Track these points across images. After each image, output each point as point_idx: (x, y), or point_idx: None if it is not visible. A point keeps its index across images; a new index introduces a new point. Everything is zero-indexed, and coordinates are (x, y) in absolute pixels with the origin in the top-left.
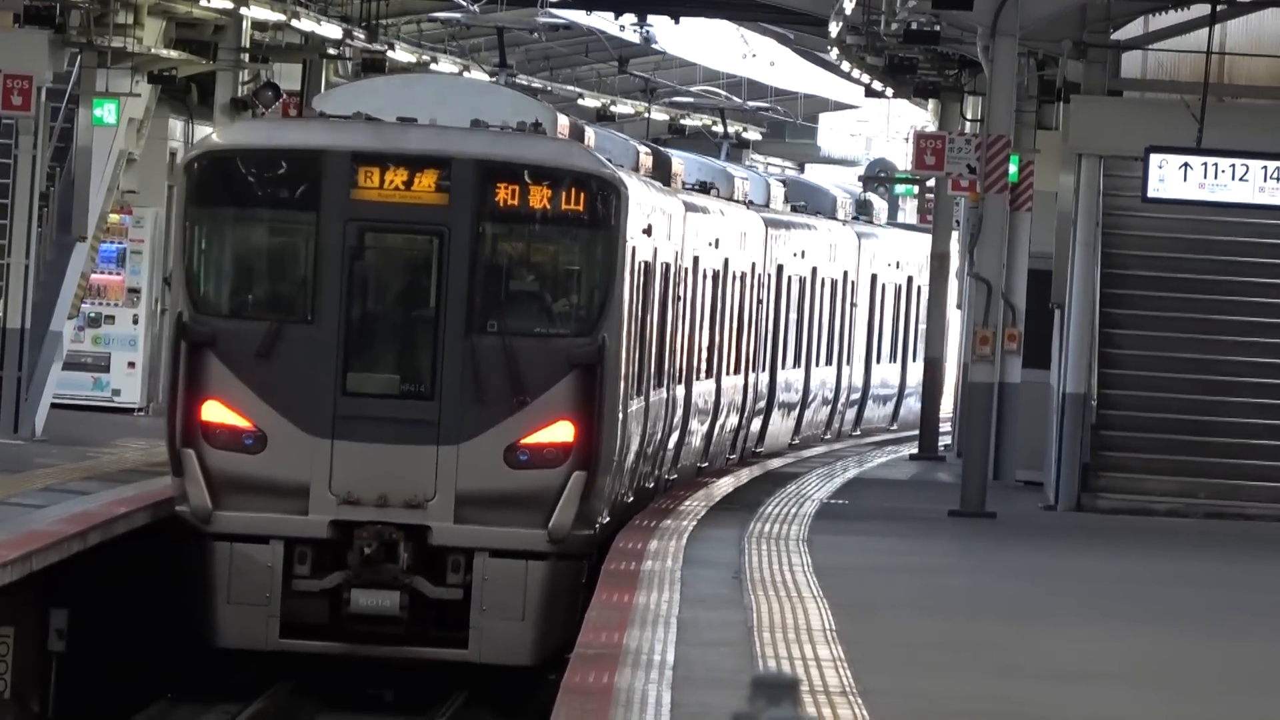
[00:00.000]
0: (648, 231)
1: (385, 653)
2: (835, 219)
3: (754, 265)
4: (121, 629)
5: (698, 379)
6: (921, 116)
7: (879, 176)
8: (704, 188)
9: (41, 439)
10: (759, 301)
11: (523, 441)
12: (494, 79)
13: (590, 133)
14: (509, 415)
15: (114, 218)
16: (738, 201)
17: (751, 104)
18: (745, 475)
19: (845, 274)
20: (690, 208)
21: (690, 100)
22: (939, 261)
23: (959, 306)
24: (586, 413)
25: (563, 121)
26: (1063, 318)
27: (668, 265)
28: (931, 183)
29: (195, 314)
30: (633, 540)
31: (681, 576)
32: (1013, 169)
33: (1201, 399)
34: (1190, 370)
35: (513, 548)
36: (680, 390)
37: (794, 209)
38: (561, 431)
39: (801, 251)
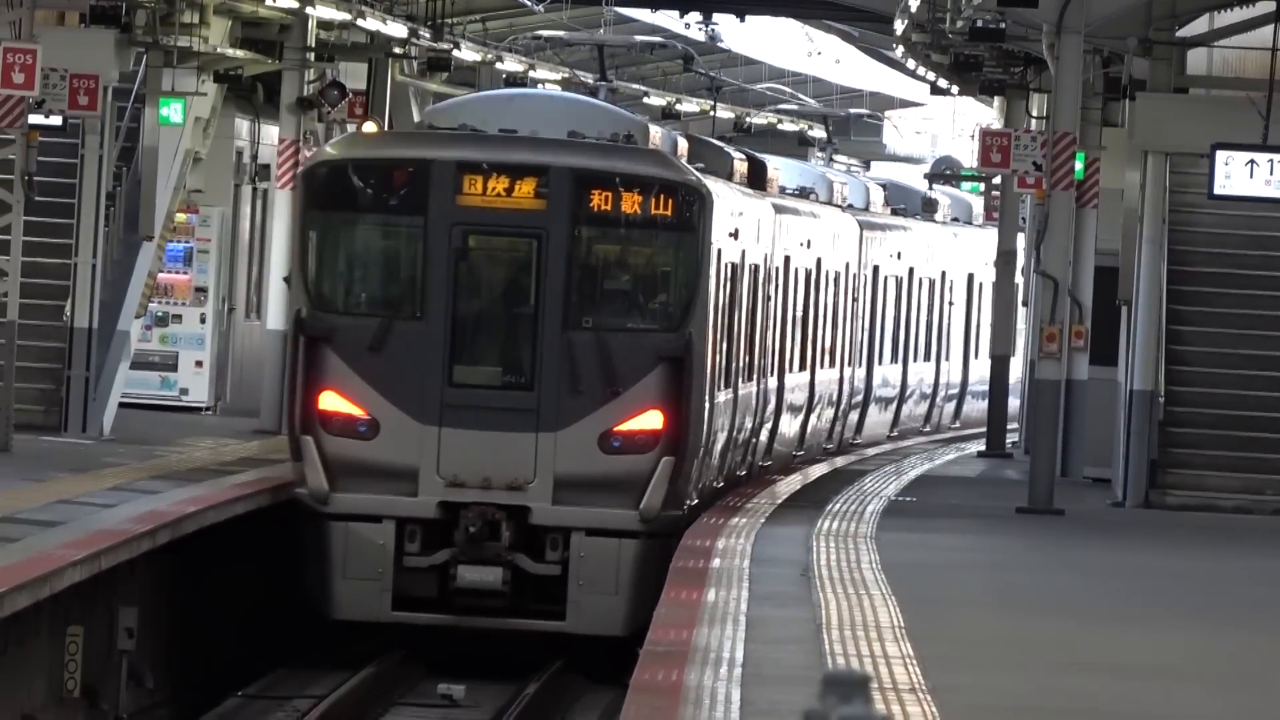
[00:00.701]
0: (734, 234)
1: (488, 624)
2: (934, 220)
3: (848, 265)
4: (194, 625)
5: (790, 372)
6: (987, 114)
7: (944, 174)
8: (803, 192)
9: (109, 438)
10: (854, 300)
11: (615, 429)
12: (596, 92)
13: (683, 143)
14: (603, 404)
15: (180, 217)
16: (835, 205)
17: (815, 101)
18: (814, 473)
19: (943, 273)
20: (781, 210)
21: (769, 96)
22: (1005, 259)
23: (1025, 304)
24: (674, 402)
25: (655, 132)
26: (1129, 315)
27: (756, 265)
28: (997, 180)
29: (313, 311)
30: (701, 538)
31: (750, 574)
32: (1079, 166)
33: (1269, 395)
34: (1258, 367)
35: (607, 527)
36: (772, 383)
37: (894, 211)
38: (651, 419)
39: (897, 252)
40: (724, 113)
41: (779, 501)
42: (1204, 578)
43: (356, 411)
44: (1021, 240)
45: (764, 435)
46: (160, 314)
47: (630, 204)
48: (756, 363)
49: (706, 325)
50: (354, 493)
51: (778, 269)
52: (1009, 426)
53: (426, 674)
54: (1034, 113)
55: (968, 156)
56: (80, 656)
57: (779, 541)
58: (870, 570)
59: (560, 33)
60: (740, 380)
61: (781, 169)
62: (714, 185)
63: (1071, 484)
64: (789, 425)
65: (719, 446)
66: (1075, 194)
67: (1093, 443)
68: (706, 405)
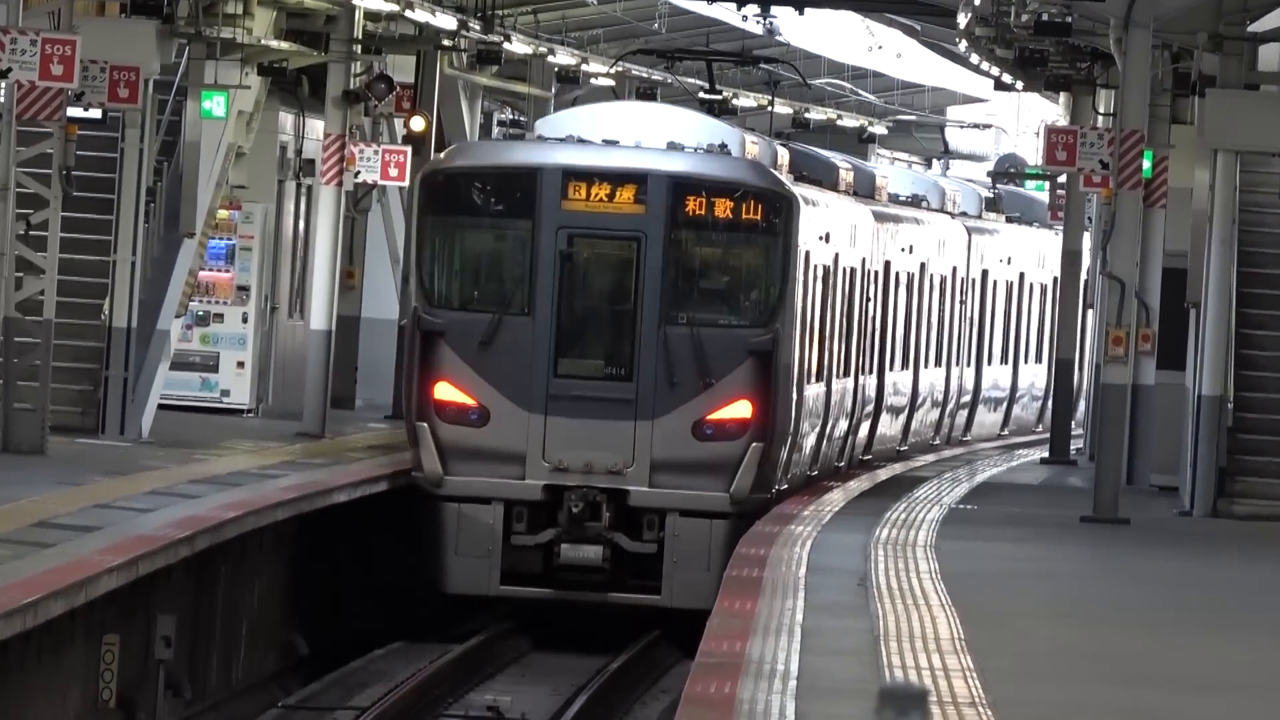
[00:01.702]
0: (825, 238)
1: (590, 598)
2: (1048, 227)
3: (954, 269)
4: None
5: (891, 370)
6: (1052, 110)
7: (1009, 172)
8: (915, 200)
9: (148, 440)
10: (961, 302)
11: (708, 417)
12: (707, 106)
13: (784, 153)
14: (696, 395)
15: (222, 213)
16: (946, 212)
17: (876, 97)
18: (870, 480)
19: (1055, 279)
20: (882, 218)
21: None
22: (1070, 259)
23: (1090, 306)
24: (762, 393)
25: (753, 141)
26: (1198, 318)
27: (853, 268)
28: (1063, 179)
29: (429, 308)
30: (755, 546)
31: (806, 583)
32: (1146, 165)
33: None
34: None
35: (699, 509)
36: (871, 380)
37: (1009, 219)
38: (741, 409)
39: (1007, 257)
40: (782, 108)
41: (838, 508)
42: (1273, 589)
43: (468, 401)
44: (1087, 241)
45: (864, 429)
46: (201, 313)
47: (722, 209)
48: (853, 360)
49: (794, 322)
50: (465, 476)
51: (876, 272)
52: (1074, 432)
53: (531, 646)
54: (1100, 109)
55: (1032, 154)
56: (116, 665)
57: (836, 550)
58: (929, 580)
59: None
60: (835, 375)
61: (892, 177)
62: (805, 192)
63: (1137, 492)
64: (891, 421)
65: (810, 437)
66: (1143, 193)
67: (1159, 450)
68: (794, 397)
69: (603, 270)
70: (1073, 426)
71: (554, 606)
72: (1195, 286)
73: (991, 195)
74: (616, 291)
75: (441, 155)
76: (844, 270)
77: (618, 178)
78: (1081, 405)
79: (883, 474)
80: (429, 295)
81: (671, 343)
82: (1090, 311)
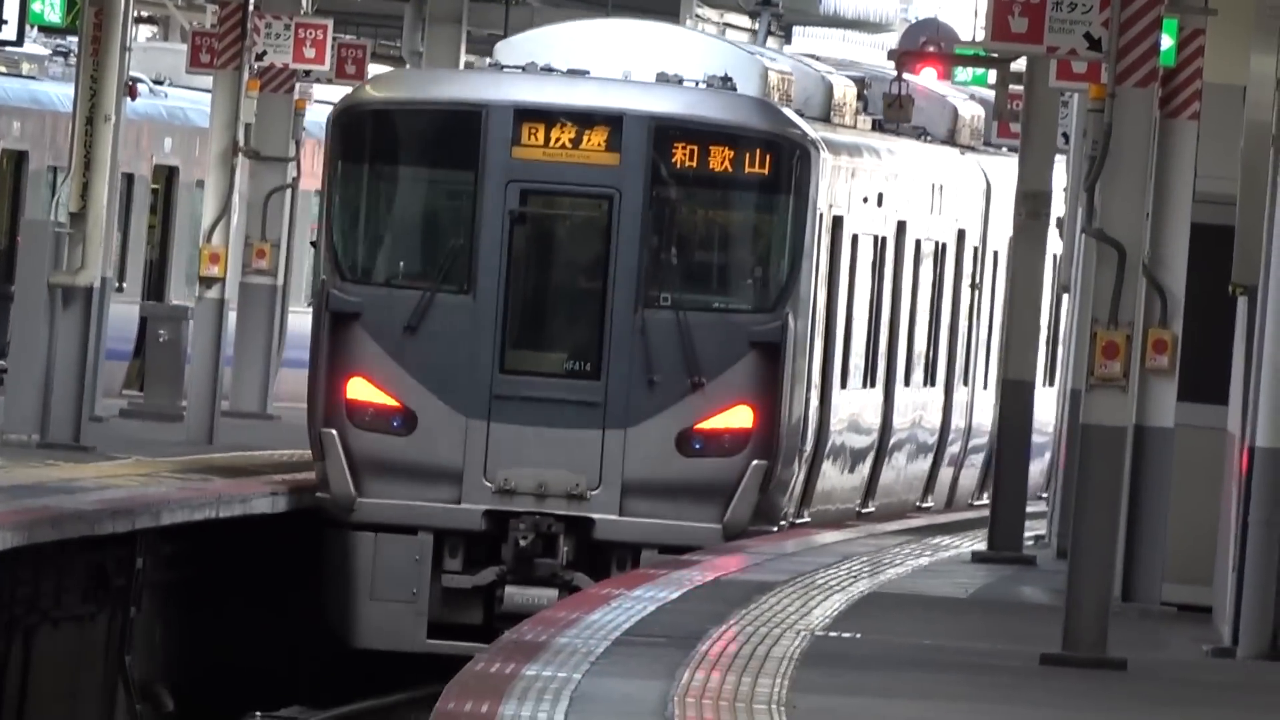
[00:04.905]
0: (876, 200)
1: None
2: (993, 150)
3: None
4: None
5: (965, 382)
6: None
7: (926, 52)
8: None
9: None
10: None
11: (697, 427)
12: (755, 21)
13: (845, 87)
14: (682, 398)
15: None
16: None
17: None
18: (689, 579)
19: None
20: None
21: None
22: (1032, 206)
23: (1065, 289)
24: (768, 397)
25: (781, 71)
26: (1252, 311)
27: (921, 239)
28: (1020, 65)
29: (340, 283)
30: (469, 700)
31: None
32: (1167, 43)
33: None
34: None
35: (684, 543)
36: (935, 391)
37: (921, 138)
38: (740, 416)
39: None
40: None
41: (617, 633)
42: None
43: (389, 401)
44: (1060, 176)
45: (925, 457)
46: None
47: (719, 160)
48: (904, 359)
49: (808, 306)
50: (385, 498)
51: (945, 244)
52: (1030, 506)
53: None
54: None
55: (967, 24)
56: None
57: (612, 712)
58: None
59: None
60: (891, 380)
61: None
62: (850, 139)
63: (1140, 613)
64: (961, 445)
65: (837, 458)
66: (1159, 92)
67: (1180, 540)
68: (814, 403)
69: (564, 237)
70: (1029, 496)
71: None
72: (1248, 258)
73: (899, 95)
74: (581, 265)
75: (362, 87)
76: (892, 241)
77: (585, 118)
78: (1045, 459)
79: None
80: (340, 267)
81: (651, 331)
82: (1065, 299)
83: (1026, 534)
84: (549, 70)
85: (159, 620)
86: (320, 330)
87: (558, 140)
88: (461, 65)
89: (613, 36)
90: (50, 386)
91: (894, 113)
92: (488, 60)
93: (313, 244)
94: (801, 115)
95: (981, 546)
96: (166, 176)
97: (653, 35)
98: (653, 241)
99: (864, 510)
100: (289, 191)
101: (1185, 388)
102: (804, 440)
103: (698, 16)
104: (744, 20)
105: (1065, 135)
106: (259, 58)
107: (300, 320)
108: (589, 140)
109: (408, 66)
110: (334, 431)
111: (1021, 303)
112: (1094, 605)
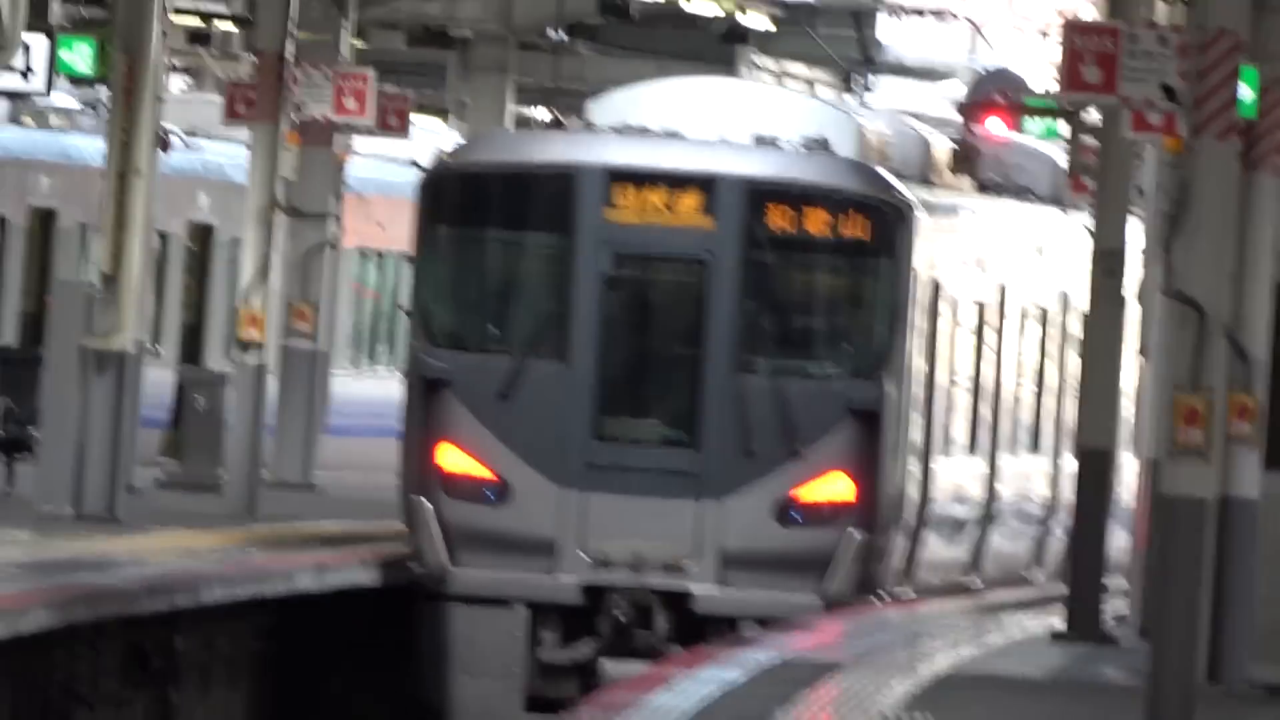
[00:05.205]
0: (977, 264)
1: None
2: (1062, 206)
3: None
4: None
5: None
6: None
7: (994, 103)
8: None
9: None
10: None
11: (795, 496)
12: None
13: (937, 145)
14: (779, 466)
15: None
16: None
17: None
18: (756, 660)
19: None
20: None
21: None
22: (1107, 265)
23: (1141, 352)
24: (867, 465)
25: (879, 132)
26: None
27: (1023, 304)
28: (1094, 116)
29: (431, 348)
30: None
31: None
32: (1247, 93)
33: None
34: None
35: (783, 615)
36: (1041, 459)
37: (983, 188)
38: (838, 485)
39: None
40: None
41: None
42: None
43: (482, 471)
44: (1136, 234)
45: (1032, 530)
46: None
47: (815, 223)
48: (1019, 426)
49: (906, 371)
50: (479, 569)
51: (1049, 310)
52: (1107, 582)
53: None
54: None
55: (1040, 74)
56: None
57: None
58: None
59: None
60: (996, 447)
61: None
62: (949, 201)
63: (1226, 696)
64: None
65: (944, 527)
66: (1240, 145)
67: (1269, 616)
68: (915, 471)
69: (658, 302)
70: (1105, 574)
71: None
72: None
73: (966, 147)
74: (676, 330)
75: (452, 149)
76: (996, 306)
77: (678, 181)
78: (1121, 535)
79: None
80: (431, 332)
81: (748, 398)
82: (1142, 362)
83: (1110, 611)
84: (642, 130)
85: (200, 704)
86: (412, 397)
87: (651, 203)
88: (508, 116)
89: (707, 95)
90: (83, 456)
91: (962, 166)
92: (578, 118)
93: (403, 309)
94: (899, 176)
95: (1058, 624)
96: (202, 235)
97: (748, 94)
98: (748, 306)
99: (969, 582)
100: (330, 249)
101: (1272, 456)
102: (904, 510)
103: (754, 65)
104: (802, 69)
105: (1139, 190)
106: (298, 109)
107: (343, 385)
108: (683, 203)
109: (450, 117)
110: (426, 501)
111: (1098, 365)
112: (1178, 687)
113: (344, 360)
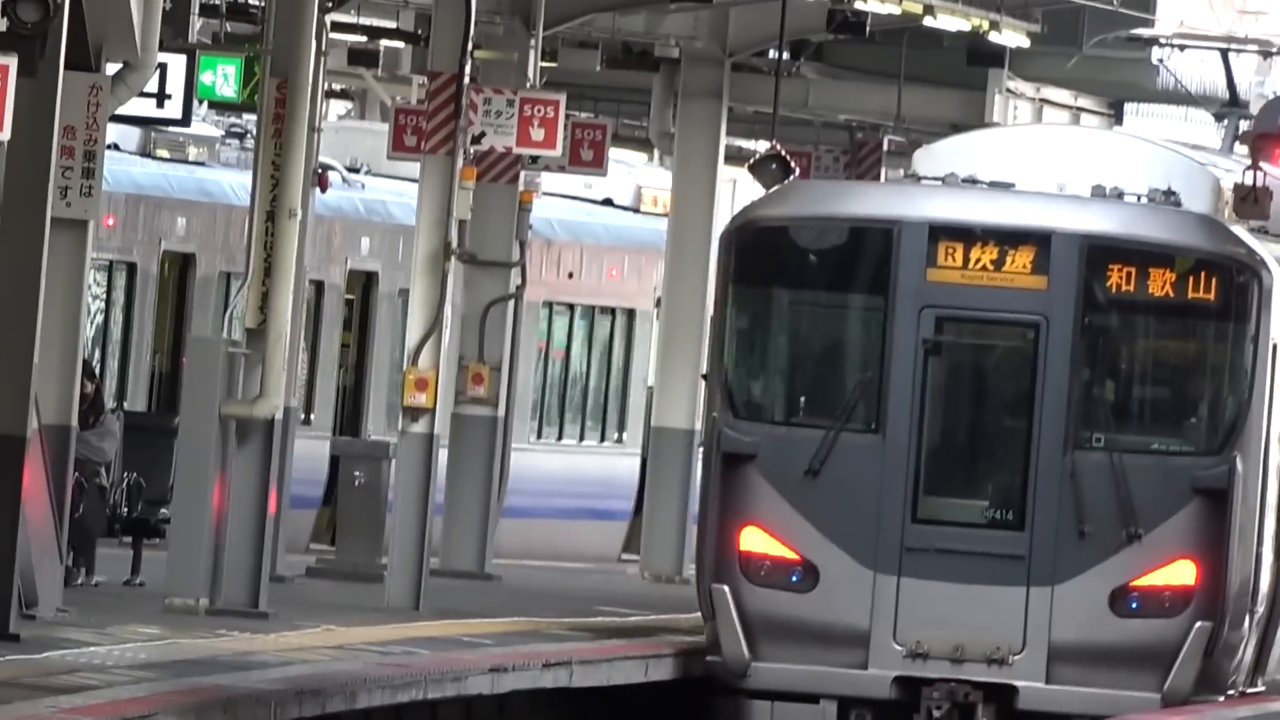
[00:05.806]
0: None
1: None
2: None
3: None
4: None
5: None
6: None
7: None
8: None
9: None
10: None
11: (1134, 584)
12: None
13: None
14: (1117, 551)
15: None
16: None
17: None
18: None
19: None
20: None
21: None
22: None
23: None
24: (1213, 550)
25: (1225, 185)
26: None
27: None
28: None
29: (734, 420)
30: None
31: None
32: None
33: None
34: None
35: (1114, 714)
36: None
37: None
38: (1182, 573)
39: None
40: None
41: None
42: None
43: (788, 553)
44: None
45: None
46: None
47: (1160, 284)
48: None
49: (1262, 447)
50: (784, 662)
51: None
52: None
53: None
54: None
55: None
56: None
57: None
58: None
59: None
60: None
61: None
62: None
63: None
64: None
65: None
66: None
67: None
68: (1268, 557)
69: (985, 369)
70: None
71: None
72: None
73: (1253, 186)
74: (1004, 400)
75: (759, 201)
76: None
77: (1008, 237)
78: None
79: None
80: (734, 402)
81: (1082, 475)
82: None
83: None
84: (971, 182)
85: None
86: (711, 474)
87: (978, 261)
88: (722, 150)
89: (1044, 144)
90: (222, 540)
91: (1247, 209)
92: (902, 172)
93: (703, 377)
94: (1265, 233)
95: None
96: (363, 284)
97: (1089, 142)
98: (1084, 375)
99: None
100: (512, 303)
101: None
102: (1255, 599)
103: (1009, 91)
104: (1063, 95)
105: None
106: (476, 140)
107: (525, 459)
108: (1013, 261)
109: (655, 154)
110: (725, 588)
111: None
112: None
113: (526, 431)
